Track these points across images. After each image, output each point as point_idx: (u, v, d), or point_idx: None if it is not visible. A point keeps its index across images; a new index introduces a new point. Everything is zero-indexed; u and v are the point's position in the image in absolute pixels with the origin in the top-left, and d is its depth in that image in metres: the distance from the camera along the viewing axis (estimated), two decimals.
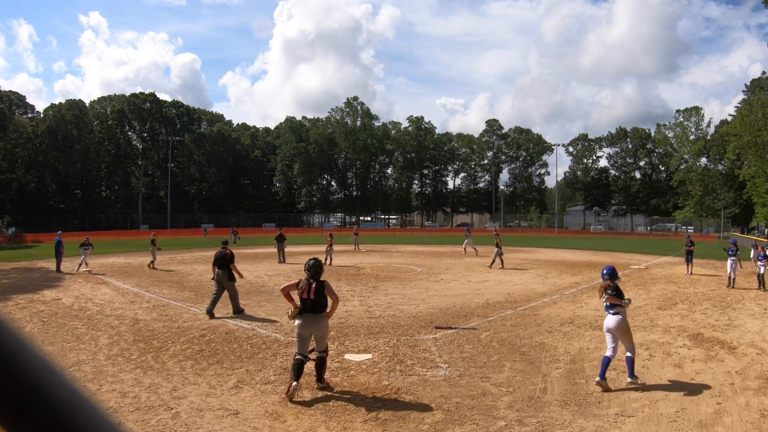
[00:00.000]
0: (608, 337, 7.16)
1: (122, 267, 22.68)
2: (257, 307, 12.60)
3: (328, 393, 6.59)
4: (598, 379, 6.81)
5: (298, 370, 6.45)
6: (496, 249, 22.74)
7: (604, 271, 7.50)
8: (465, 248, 29.76)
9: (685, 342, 9.32)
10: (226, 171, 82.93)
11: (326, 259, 23.08)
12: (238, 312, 11.67)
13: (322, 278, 6.88)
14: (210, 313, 11.42)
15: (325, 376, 6.86)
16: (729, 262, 17.36)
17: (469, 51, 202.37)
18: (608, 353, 6.99)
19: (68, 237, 27.57)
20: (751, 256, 18.64)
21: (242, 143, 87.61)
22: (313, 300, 6.64)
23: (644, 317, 11.64)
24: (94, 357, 8.24)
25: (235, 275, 11.82)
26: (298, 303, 6.74)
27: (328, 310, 6.80)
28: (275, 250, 25.78)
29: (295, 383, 6.36)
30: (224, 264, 11.75)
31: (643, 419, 5.78)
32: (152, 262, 22.09)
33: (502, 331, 10.22)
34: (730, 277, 17.17)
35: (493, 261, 22.63)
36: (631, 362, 6.98)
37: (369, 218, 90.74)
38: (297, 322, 6.68)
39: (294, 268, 21.55)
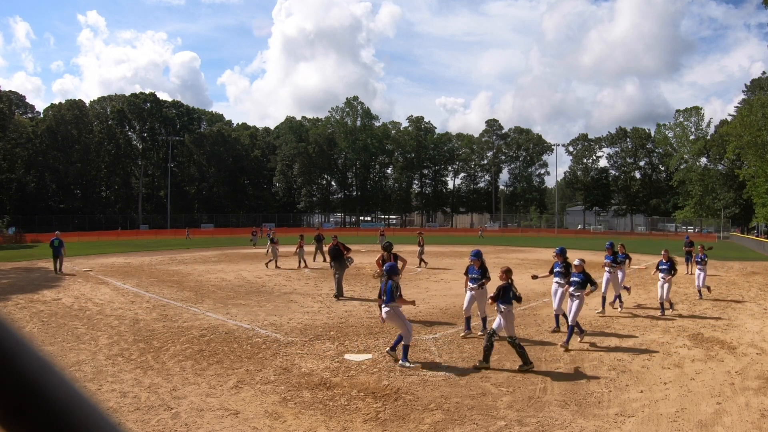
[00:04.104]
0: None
1: (122, 267, 22.67)
2: (257, 307, 12.60)
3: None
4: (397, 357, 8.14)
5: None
6: (419, 248, 22.63)
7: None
8: (267, 250, 28.58)
9: (685, 342, 9.31)
10: (225, 171, 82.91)
11: (299, 262, 22.00)
12: (340, 296, 13.78)
13: None
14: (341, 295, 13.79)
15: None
16: (697, 268, 14.69)
17: (469, 50, 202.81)
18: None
19: (68, 237, 27.55)
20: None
21: (242, 143, 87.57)
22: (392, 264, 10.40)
23: (644, 317, 11.64)
24: (94, 357, 8.24)
25: (344, 262, 14.01)
26: (382, 268, 10.14)
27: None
28: (312, 249, 25.19)
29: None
30: (339, 253, 13.96)
31: (643, 419, 5.78)
32: (270, 261, 21.89)
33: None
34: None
35: (420, 261, 22.32)
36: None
37: (369, 218, 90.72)
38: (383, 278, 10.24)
39: (295, 271, 21.60)
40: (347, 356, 8.27)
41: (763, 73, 69.71)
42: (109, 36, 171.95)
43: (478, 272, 9.83)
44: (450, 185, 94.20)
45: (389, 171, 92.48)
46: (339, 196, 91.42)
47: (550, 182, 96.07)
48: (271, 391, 6.65)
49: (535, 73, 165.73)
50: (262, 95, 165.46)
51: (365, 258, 27.31)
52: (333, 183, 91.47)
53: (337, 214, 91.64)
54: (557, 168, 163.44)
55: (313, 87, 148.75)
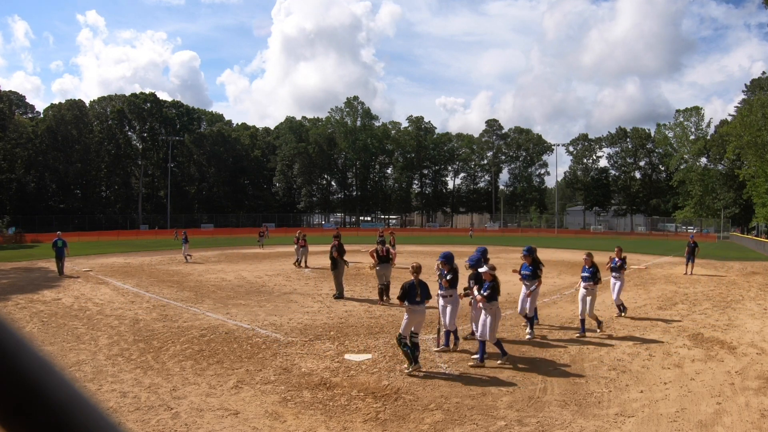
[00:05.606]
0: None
1: (122, 267, 22.67)
2: (257, 307, 12.60)
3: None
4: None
5: (381, 293, 13.21)
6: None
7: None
8: (186, 257, 25.31)
9: (685, 342, 9.31)
10: (225, 171, 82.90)
11: (301, 260, 22.02)
12: (340, 297, 13.78)
13: None
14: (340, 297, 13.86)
15: (386, 298, 13.08)
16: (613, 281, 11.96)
17: (469, 50, 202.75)
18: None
19: (68, 237, 27.52)
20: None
21: (242, 143, 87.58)
22: (385, 255, 13.42)
23: (644, 317, 11.64)
24: (94, 357, 8.24)
25: (340, 263, 14.02)
26: (377, 259, 13.22)
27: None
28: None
29: (380, 301, 13.03)
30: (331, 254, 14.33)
31: (643, 419, 5.78)
32: (297, 261, 22.19)
33: (502, 331, 10.19)
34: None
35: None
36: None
37: (369, 218, 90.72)
38: (377, 268, 13.25)
39: (298, 271, 21.63)
40: (347, 356, 8.27)
41: (763, 73, 69.97)
42: (109, 36, 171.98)
43: (449, 277, 8.55)
44: (450, 185, 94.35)
45: (389, 171, 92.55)
46: (339, 196, 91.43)
47: (550, 182, 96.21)
48: (271, 391, 6.65)
49: (535, 73, 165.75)
50: (262, 95, 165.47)
51: (365, 258, 27.30)
52: (333, 183, 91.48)
53: (337, 214, 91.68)
54: (557, 168, 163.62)
55: (313, 87, 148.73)
